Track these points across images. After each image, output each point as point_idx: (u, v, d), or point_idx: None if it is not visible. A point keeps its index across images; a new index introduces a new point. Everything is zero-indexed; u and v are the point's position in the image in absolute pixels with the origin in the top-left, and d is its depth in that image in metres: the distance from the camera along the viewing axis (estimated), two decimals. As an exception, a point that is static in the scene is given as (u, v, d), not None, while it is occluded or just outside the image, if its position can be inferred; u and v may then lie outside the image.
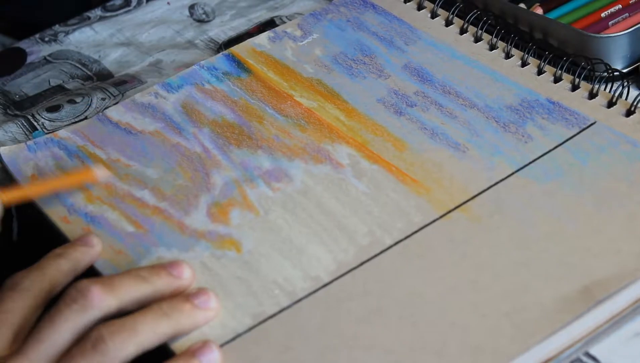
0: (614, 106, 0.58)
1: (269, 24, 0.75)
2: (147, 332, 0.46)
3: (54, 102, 0.69)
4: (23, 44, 0.77)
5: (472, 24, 0.66)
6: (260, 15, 0.76)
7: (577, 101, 0.59)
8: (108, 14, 0.79)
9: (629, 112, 0.57)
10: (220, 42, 0.74)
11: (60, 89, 0.72)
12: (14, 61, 0.75)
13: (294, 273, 0.51)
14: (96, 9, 0.80)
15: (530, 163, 0.55)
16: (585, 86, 0.60)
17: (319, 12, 0.70)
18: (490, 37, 0.64)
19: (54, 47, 0.76)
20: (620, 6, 0.66)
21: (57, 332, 0.46)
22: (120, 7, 0.80)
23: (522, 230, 0.51)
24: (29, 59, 0.75)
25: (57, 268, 0.50)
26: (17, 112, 0.69)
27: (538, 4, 0.68)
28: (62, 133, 0.62)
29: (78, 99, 0.69)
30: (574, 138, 0.56)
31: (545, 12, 0.67)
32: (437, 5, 0.68)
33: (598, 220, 0.51)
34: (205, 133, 0.61)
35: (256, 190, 0.56)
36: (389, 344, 0.47)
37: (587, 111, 0.58)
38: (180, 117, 0.62)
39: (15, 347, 0.46)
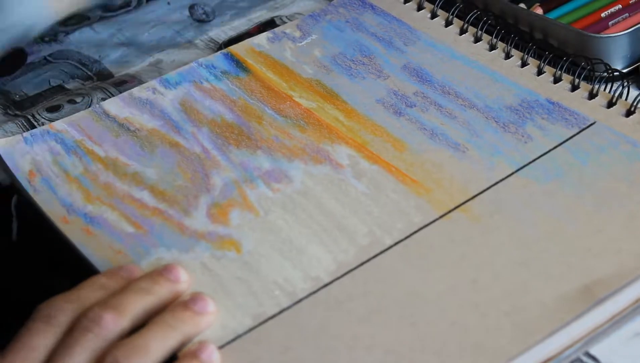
0: (614, 106, 0.58)
1: (269, 24, 0.75)
2: (158, 348, 0.46)
3: (54, 102, 0.69)
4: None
5: (471, 24, 0.66)
6: (261, 15, 0.76)
7: (577, 101, 0.59)
8: (108, 14, 0.79)
9: (629, 113, 0.57)
10: (220, 42, 0.74)
11: (60, 89, 0.72)
12: (14, 61, 0.75)
13: (294, 273, 0.51)
14: (96, 9, 0.80)
15: (530, 163, 0.55)
16: (585, 86, 0.60)
17: (317, 13, 0.70)
18: (490, 37, 0.64)
19: (54, 47, 0.76)
20: (620, 6, 0.66)
21: (75, 361, 0.45)
22: (121, 7, 0.80)
23: (522, 229, 0.51)
24: (29, 59, 0.75)
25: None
26: (17, 112, 0.69)
27: (538, 4, 0.68)
28: (58, 125, 0.62)
29: (78, 99, 0.69)
30: (574, 138, 0.56)
31: (545, 12, 0.67)
32: (437, 5, 0.68)
33: (598, 220, 0.51)
34: (204, 133, 0.61)
35: (256, 191, 0.56)
36: (389, 344, 0.47)
37: (587, 111, 0.58)
38: (179, 115, 0.62)
39: None
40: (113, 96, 0.68)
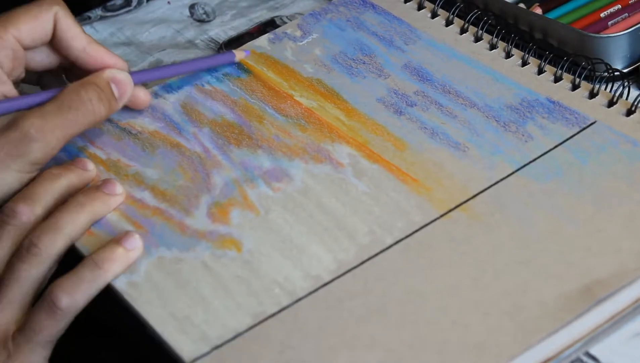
0: (614, 106, 0.58)
1: (269, 24, 0.75)
2: (69, 225, 0.52)
3: (54, 102, 0.69)
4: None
5: (472, 24, 0.66)
6: (261, 15, 0.76)
7: (577, 100, 0.59)
8: (108, 13, 0.79)
9: (629, 112, 0.57)
10: (220, 42, 0.74)
11: (60, 88, 0.71)
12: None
13: (294, 272, 0.51)
14: (96, 9, 0.80)
15: (530, 162, 0.55)
16: (585, 86, 0.60)
17: (318, 12, 0.70)
18: (491, 37, 0.64)
19: (54, 47, 0.76)
20: (619, 6, 0.66)
21: None
22: (121, 6, 0.80)
23: (523, 229, 0.51)
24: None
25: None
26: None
27: (538, 4, 0.68)
28: None
29: (78, 99, 0.69)
30: (574, 138, 0.56)
31: (544, 12, 0.67)
32: (438, 5, 0.68)
33: (598, 219, 0.51)
34: (205, 133, 0.61)
35: (256, 190, 0.56)
36: (390, 343, 0.47)
37: (587, 111, 0.58)
38: (180, 117, 0.62)
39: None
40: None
